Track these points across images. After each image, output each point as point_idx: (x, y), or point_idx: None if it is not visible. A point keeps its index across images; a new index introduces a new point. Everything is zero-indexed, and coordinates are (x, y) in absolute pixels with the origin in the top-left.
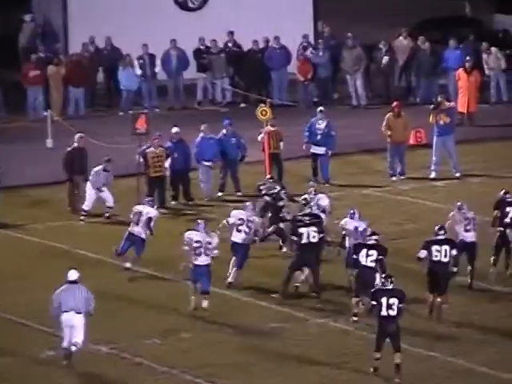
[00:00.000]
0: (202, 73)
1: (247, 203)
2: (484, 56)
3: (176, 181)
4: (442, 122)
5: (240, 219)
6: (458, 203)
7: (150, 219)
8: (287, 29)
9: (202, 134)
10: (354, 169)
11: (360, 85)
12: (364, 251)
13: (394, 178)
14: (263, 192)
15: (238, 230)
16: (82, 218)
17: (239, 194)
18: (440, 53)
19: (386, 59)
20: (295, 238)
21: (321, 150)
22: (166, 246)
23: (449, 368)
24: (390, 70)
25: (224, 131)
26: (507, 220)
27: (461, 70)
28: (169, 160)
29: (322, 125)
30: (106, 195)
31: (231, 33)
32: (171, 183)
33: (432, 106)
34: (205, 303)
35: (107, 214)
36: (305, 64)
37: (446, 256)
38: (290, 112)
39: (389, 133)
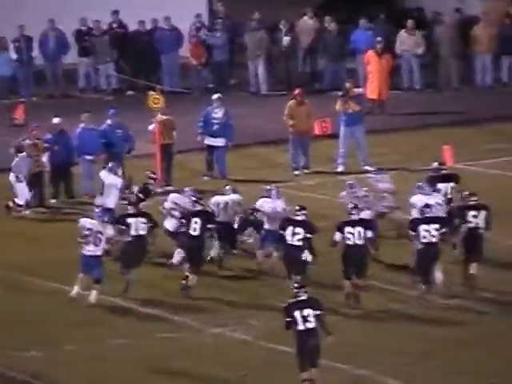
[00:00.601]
0: (84, 57)
1: (186, 188)
2: (403, 35)
3: (57, 176)
4: (350, 111)
5: (175, 204)
6: (349, 182)
7: None
8: (178, 8)
9: (82, 125)
10: (253, 162)
11: (262, 71)
12: (290, 229)
13: (297, 172)
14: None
15: (172, 216)
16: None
17: (126, 190)
18: (348, 34)
19: (286, 40)
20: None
21: (217, 142)
22: (46, 248)
23: (358, 381)
24: (293, 53)
25: (108, 122)
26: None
27: (371, 52)
28: (47, 154)
29: (218, 114)
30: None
31: (116, 12)
32: (51, 179)
33: (340, 93)
34: (92, 296)
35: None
36: (198, 47)
37: (360, 238)
38: (182, 100)
39: (291, 122)
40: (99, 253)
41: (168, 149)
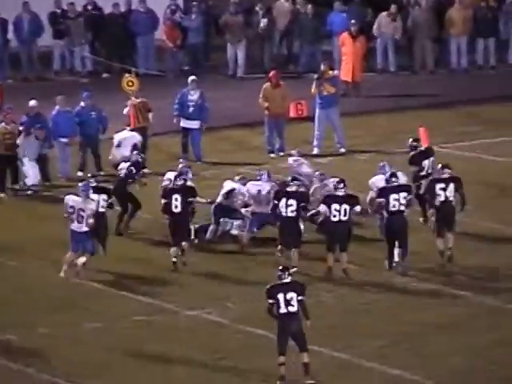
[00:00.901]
0: (59, 39)
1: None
2: (385, 19)
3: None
4: (325, 93)
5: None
6: (317, 172)
7: None
8: None
9: (57, 108)
10: (228, 145)
11: (242, 55)
12: (283, 201)
13: (272, 155)
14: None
15: None
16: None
17: (101, 173)
18: (324, 17)
19: (264, 23)
20: None
21: (193, 124)
22: (23, 229)
23: (333, 363)
24: (269, 35)
25: (82, 104)
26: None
27: (345, 34)
28: (22, 137)
29: (194, 96)
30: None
31: None
32: None
33: (316, 76)
34: (81, 260)
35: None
36: (173, 29)
37: (345, 215)
38: (157, 82)
39: (266, 105)
40: (85, 229)
41: (143, 131)
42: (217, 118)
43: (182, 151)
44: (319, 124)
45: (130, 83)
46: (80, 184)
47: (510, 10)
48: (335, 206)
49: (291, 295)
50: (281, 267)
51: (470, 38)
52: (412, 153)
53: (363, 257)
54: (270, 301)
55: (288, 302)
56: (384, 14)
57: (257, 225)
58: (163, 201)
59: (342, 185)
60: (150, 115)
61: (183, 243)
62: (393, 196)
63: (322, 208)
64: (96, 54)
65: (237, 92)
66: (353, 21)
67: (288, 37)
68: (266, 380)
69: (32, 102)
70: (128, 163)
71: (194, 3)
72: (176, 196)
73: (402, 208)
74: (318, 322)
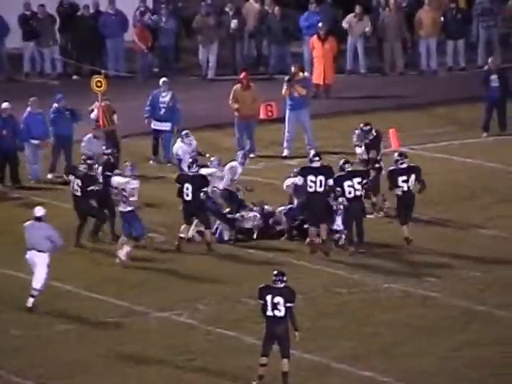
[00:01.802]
0: (28, 41)
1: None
2: (352, 20)
3: (3, 161)
4: (296, 95)
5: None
6: (296, 169)
7: None
8: None
9: (28, 109)
10: (199, 147)
11: (213, 58)
12: (311, 177)
13: None
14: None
15: None
16: None
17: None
18: (293, 17)
19: (234, 23)
20: None
21: (164, 126)
22: None
23: (305, 365)
24: (240, 36)
25: (56, 105)
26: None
27: (314, 37)
28: None
29: (165, 97)
30: None
31: None
32: None
33: (287, 78)
34: (122, 252)
35: None
36: (143, 31)
37: (321, 186)
38: (127, 84)
39: (236, 106)
40: (129, 208)
41: (111, 135)
42: (188, 120)
43: (152, 153)
44: (289, 126)
45: (99, 83)
46: (128, 164)
47: (478, 11)
48: (311, 177)
49: (278, 299)
50: (276, 271)
51: (440, 39)
52: (366, 141)
53: (328, 262)
54: (260, 301)
55: (274, 306)
56: (351, 15)
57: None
58: (177, 185)
59: (317, 157)
60: (115, 117)
61: (205, 229)
62: (347, 183)
63: (299, 180)
64: (66, 56)
65: (207, 93)
66: (320, 24)
67: (256, 38)
68: (236, 381)
69: (5, 104)
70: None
71: (163, 6)
72: (187, 185)
73: (358, 193)
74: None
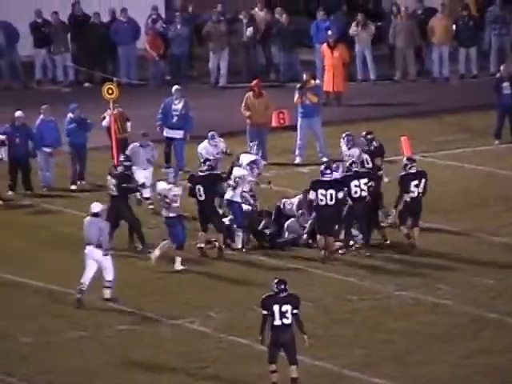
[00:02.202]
0: (40, 48)
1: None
2: (355, 28)
3: (15, 168)
4: (308, 102)
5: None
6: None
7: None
8: (135, 0)
9: (41, 117)
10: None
11: (224, 65)
12: (355, 182)
13: None
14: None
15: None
16: None
17: (83, 182)
18: (303, 25)
19: (250, 31)
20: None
21: (176, 134)
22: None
23: (316, 373)
24: (253, 44)
25: (70, 115)
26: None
27: (324, 45)
28: (5, 148)
29: (178, 105)
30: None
31: (76, 3)
32: (9, 171)
33: (298, 85)
34: (177, 263)
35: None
36: (155, 39)
37: (331, 199)
38: (139, 92)
39: (248, 114)
40: (171, 214)
41: (124, 142)
42: (200, 127)
43: (165, 160)
44: (301, 133)
45: (110, 91)
46: (168, 170)
47: (491, 19)
48: (321, 191)
49: (286, 308)
50: (276, 280)
51: (452, 47)
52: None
53: (341, 270)
54: (264, 312)
55: (283, 314)
56: (354, 23)
57: None
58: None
59: (328, 170)
60: (129, 124)
61: (219, 235)
62: (354, 182)
63: (312, 194)
64: (78, 63)
65: (219, 101)
66: (329, 32)
67: (265, 45)
68: None
69: (18, 113)
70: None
71: (177, 13)
72: (198, 186)
73: (364, 194)
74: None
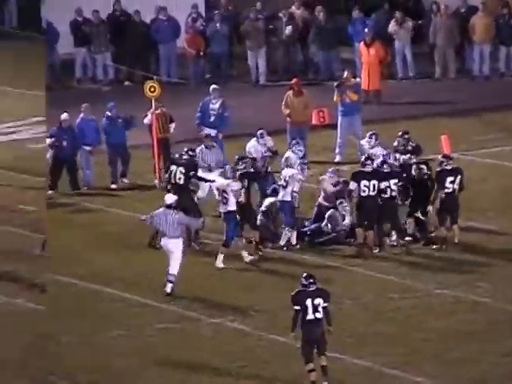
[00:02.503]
0: (81, 47)
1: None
2: (394, 26)
3: (59, 169)
4: (347, 100)
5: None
6: (331, 169)
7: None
8: None
9: (82, 115)
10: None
11: (263, 62)
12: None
13: None
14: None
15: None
16: None
17: (125, 181)
18: (343, 24)
19: (289, 29)
20: None
21: (214, 133)
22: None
23: (356, 371)
24: (293, 42)
25: (108, 114)
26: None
27: (361, 43)
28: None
29: (215, 104)
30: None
31: (117, 1)
32: (51, 171)
33: (336, 83)
34: (218, 260)
35: None
36: (195, 37)
37: (374, 190)
38: (179, 90)
39: (287, 112)
40: (229, 209)
41: (165, 142)
42: (239, 126)
43: None
44: (341, 131)
45: (152, 89)
46: (227, 167)
47: None
48: (364, 182)
49: (319, 301)
50: (305, 274)
51: (493, 45)
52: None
53: (380, 268)
54: (296, 307)
55: (315, 308)
56: (392, 21)
57: None
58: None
59: (369, 161)
60: (172, 126)
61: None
62: (384, 183)
63: (353, 185)
64: (118, 62)
65: (259, 99)
66: (366, 29)
67: (303, 44)
68: None
69: (64, 115)
70: None
71: (216, 12)
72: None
73: (394, 194)
74: (340, 329)
